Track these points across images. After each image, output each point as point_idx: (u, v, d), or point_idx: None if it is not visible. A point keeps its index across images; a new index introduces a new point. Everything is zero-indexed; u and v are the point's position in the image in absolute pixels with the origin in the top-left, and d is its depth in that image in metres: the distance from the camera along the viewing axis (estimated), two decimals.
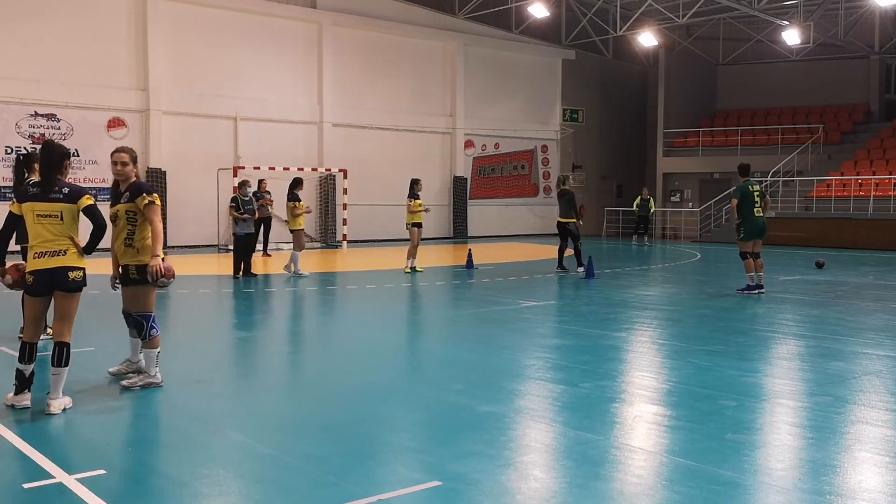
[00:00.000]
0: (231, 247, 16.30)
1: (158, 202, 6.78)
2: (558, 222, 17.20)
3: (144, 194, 6.69)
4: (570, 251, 17.33)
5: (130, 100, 22.86)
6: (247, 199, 15.64)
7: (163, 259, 6.69)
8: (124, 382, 6.82)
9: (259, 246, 19.95)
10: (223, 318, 11.74)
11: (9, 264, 6.35)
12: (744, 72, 34.56)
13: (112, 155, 6.85)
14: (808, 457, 5.17)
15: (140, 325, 6.81)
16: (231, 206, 15.51)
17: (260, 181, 21.17)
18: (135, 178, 6.84)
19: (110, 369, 7.19)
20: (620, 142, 35.95)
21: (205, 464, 4.98)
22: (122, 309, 7.06)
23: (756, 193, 13.42)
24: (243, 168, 23.04)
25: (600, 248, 25.36)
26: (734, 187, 14.18)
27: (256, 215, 16.55)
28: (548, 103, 33.27)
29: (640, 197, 28.90)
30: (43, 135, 21.27)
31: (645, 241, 28.45)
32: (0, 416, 5.90)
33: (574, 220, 16.86)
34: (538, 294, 13.91)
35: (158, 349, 6.88)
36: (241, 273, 15.48)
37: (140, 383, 6.79)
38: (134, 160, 6.86)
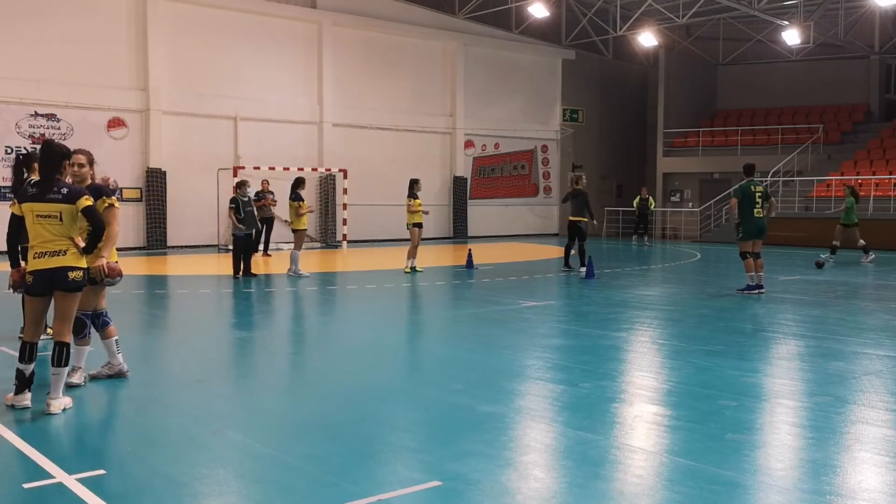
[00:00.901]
0: (231, 247, 16.29)
1: (118, 205, 6.84)
2: (570, 221, 17.26)
3: (104, 197, 6.74)
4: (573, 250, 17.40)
5: (130, 100, 22.86)
6: (246, 199, 15.62)
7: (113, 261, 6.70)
8: (91, 372, 6.96)
9: (260, 246, 19.95)
10: (223, 318, 11.74)
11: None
12: (744, 72, 34.55)
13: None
14: (808, 457, 5.17)
15: (82, 323, 6.80)
16: (231, 208, 15.50)
17: (263, 181, 21.13)
18: (90, 181, 6.85)
19: (90, 372, 7.16)
20: (620, 142, 35.94)
21: (205, 464, 4.98)
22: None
23: (758, 194, 13.38)
24: (243, 168, 23.04)
25: (600, 248, 25.34)
26: (736, 186, 14.17)
27: (257, 219, 16.52)
28: (548, 103, 33.26)
29: (639, 196, 28.90)
30: (43, 135, 21.26)
31: (645, 241, 28.44)
32: (0, 415, 5.90)
33: (586, 219, 16.90)
34: (538, 294, 13.91)
35: (116, 337, 7.01)
36: (240, 273, 15.47)
37: (106, 371, 6.97)
38: (91, 162, 6.89)
